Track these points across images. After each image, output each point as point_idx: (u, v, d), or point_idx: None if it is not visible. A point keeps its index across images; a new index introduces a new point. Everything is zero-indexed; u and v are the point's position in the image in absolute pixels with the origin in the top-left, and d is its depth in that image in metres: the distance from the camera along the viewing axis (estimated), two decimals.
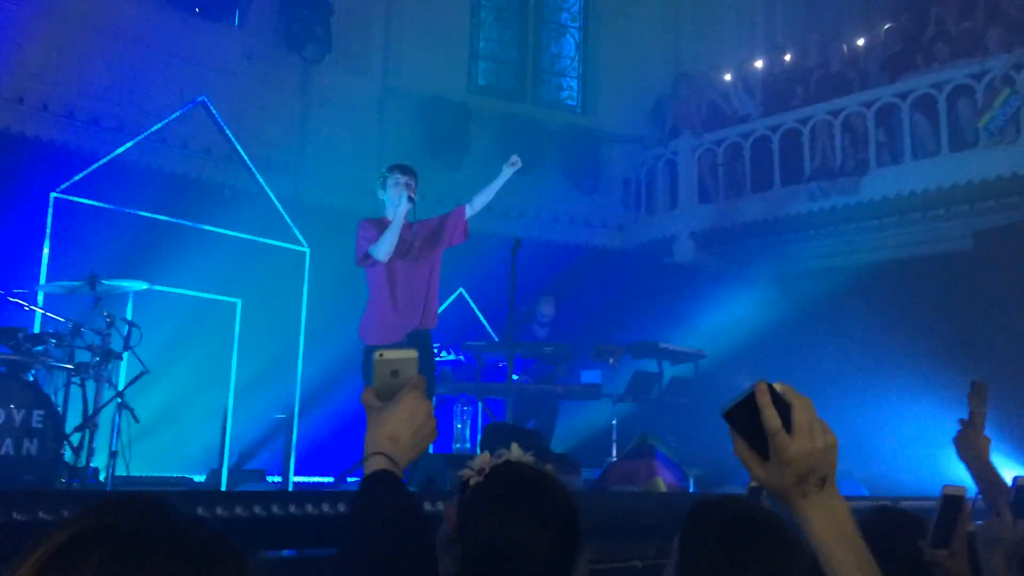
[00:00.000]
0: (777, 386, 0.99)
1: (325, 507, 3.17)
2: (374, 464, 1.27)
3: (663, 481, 5.23)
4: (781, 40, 10.24)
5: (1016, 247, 7.70)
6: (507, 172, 4.95)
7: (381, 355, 1.32)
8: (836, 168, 8.48)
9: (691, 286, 9.21)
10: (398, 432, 1.28)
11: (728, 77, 9.97)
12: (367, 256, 4.77)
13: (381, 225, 4.83)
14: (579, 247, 9.94)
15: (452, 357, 7.15)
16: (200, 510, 2.70)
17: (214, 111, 7.50)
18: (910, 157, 8.13)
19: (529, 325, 7.28)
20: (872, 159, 8.36)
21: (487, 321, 8.34)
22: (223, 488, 5.51)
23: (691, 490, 5.55)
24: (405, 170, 4.91)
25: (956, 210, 8.10)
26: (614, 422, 6.65)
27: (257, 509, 2.81)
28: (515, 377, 6.47)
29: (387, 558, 1.21)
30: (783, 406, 0.99)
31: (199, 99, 7.46)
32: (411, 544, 1.23)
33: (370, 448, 1.28)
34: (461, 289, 8.12)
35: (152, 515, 0.88)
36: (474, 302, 8.29)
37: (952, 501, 1.87)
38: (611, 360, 6.88)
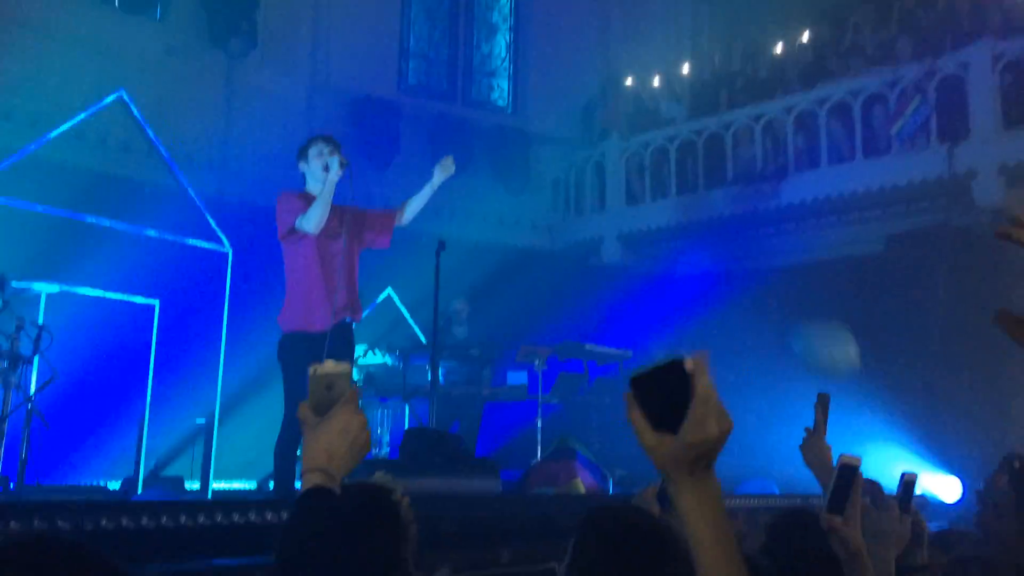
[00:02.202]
0: (689, 363, 1.01)
1: (251, 516, 3.13)
2: (312, 479, 1.30)
3: (582, 483, 5.30)
4: (707, 46, 10.46)
5: (926, 250, 8.01)
6: (439, 176, 4.62)
7: (316, 370, 1.37)
8: (757, 172, 8.70)
9: (618, 287, 9.35)
10: (334, 446, 1.31)
11: (656, 81, 10.14)
12: (293, 229, 4.31)
13: (306, 198, 4.40)
14: (507, 247, 9.98)
15: (379, 359, 7.12)
16: (105, 522, 2.65)
17: (133, 106, 7.31)
18: (827, 162, 8.39)
19: (448, 326, 7.28)
20: (791, 164, 8.60)
21: (415, 322, 8.33)
22: (139, 493, 5.38)
23: (611, 491, 5.64)
24: (329, 140, 4.49)
25: (869, 214, 8.39)
26: (539, 423, 6.72)
27: (183, 519, 2.77)
28: (441, 379, 6.47)
29: (326, 570, 1.24)
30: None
31: (117, 93, 7.26)
32: (349, 556, 1.31)
33: (307, 463, 1.32)
34: (389, 289, 8.09)
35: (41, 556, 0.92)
36: (402, 303, 8.26)
37: (848, 470, 1.95)
38: (537, 361, 6.94)
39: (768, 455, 6.97)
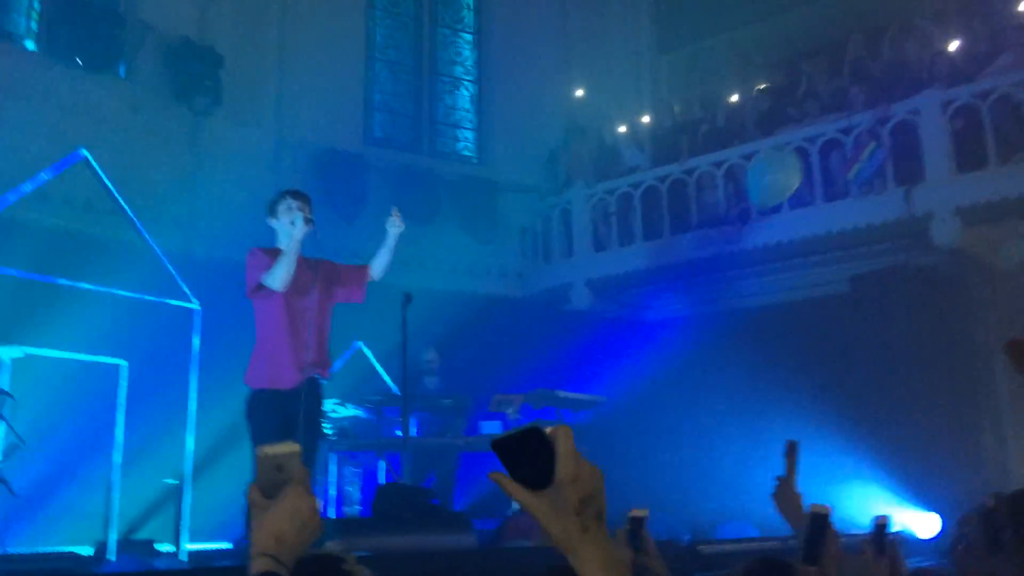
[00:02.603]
0: (550, 430, 1.02)
1: None
2: (260, 565, 1.26)
3: None
4: (667, 96, 10.70)
5: (889, 290, 8.17)
6: (393, 232, 4.58)
7: (264, 452, 1.32)
8: (721, 217, 8.86)
9: (588, 333, 9.39)
10: (283, 531, 1.27)
11: (621, 129, 10.33)
12: (260, 286, 4.33)
13: (274, 254, 4.41)
14: (477, 296, 10.00)
15: (351, 412, 7.06)
16: None
17: (95, 164, 7.24)
18: (788, 207, 8.57)
19: (420, 377, 7.24)
20: (754, 208, 8.76)
21: (387, 374, 8.28)
22: (111, 559, 5.23)
23: None
24: (297, 195, 4.50)
25: (832, 256, 8.56)
26: None
27: None
28: (413, 431, 6.43)
29: None
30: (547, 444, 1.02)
31: (80, 152, 7.20)
32: None
33: (255, 548, 1.27)
34: (359, 343, 8.04)
35: None
36: (373, 355, 8.21)
37: (819, 519, 1.98)
38: (510, 410, 6.92)
39: (746, 496, 6.98)
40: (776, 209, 8.66)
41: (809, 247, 8.53)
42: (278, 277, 4.27)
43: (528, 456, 1.01)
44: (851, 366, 8.17)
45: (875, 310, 8.19)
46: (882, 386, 7.82)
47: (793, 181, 8.16)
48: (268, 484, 1.31)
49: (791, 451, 2.74)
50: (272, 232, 4.65)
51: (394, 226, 4.58)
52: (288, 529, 1.27)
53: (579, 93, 10.91)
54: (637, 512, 2.22)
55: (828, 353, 8.20)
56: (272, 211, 4.54)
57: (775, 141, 8.79)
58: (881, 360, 7.98)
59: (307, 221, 4.30)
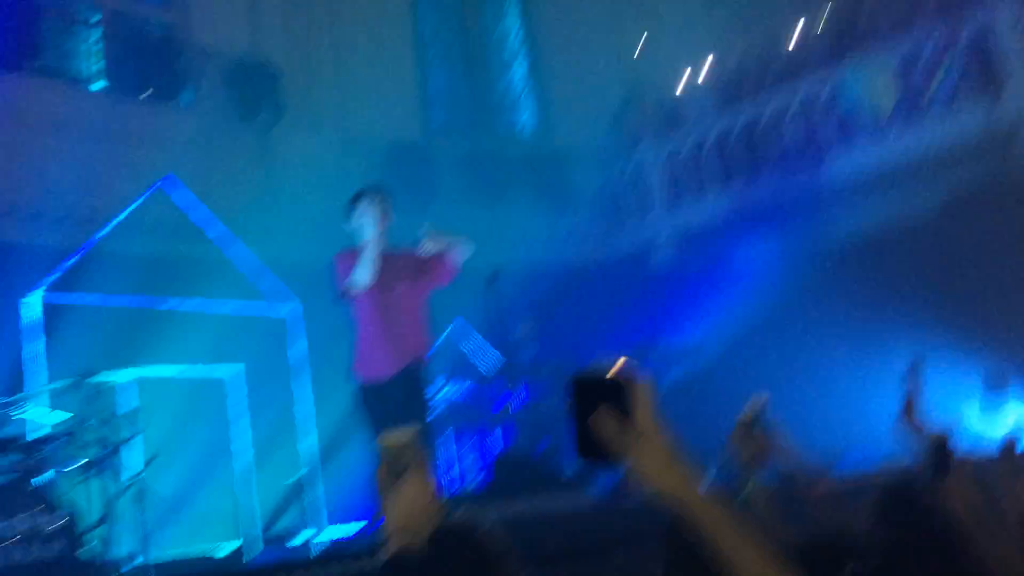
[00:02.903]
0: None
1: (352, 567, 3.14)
2: (392, 545, 1.39)
3: None
4: (728, 39, 10.43)
5: (980, 210, 7.83)
6: (434, 247, 4.67)
7: (384, 441, 1.44)
8: (798, 153, 8.63)
9: (676, 288, 9.28)
10: (409, 512, 1.39)
11: (685, 78, 10.14)
12: (346, 290, 4.59)
13: (351, 254, 4.65)
14: (558, 267, 9.98)
15: (459, 388, 7.15)
16: None
17: (177, 191, 7.49)
18: (867, 135, 8.28)
19: (518, 349, 7.30)
20: (830, 142, 8.51)
21: (485, 352, 8.35)
22: (258, 552, 5.43)
23: (713, 483, 5.53)
24: (372, 193, 4.71)
25: (916, 182, 8.24)
26: None
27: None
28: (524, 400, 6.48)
29: None
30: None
31: (160, 181, 7.44)
32: None
33: (387, 530, 1.41)
34: (460, 319, 8.12)
35: None
36: (470, 334, 8.29)
37: (939, 445, 2.07)
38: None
39: (863, 430, 6.82)
40: (854, 139, 8.39)
41: (891, 175, 8.24)
42: (359, 278, 4.51)
43: (605, 401, 1.01)
44: (953, 286, 7.88)
45: (966, 233, 7.88)
46: (992, 300, 7.52)
47: (888, 101, 7.86)
48: (391, 470, 1.42)
49: (915, 371, 2.67)
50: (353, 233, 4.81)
51: (433, 242, 4.69)
52: (414, 510, 1.40)
53: (637, 48, 10.74)
54: (756, 399, 2.23)
55: (929, 276, 7.93)
56: (349, 212, 4.75)
57: (846, 67, 8.50)
58: (986, 276, 7.67)
59: (379, 221, 4.52)
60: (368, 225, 4.53)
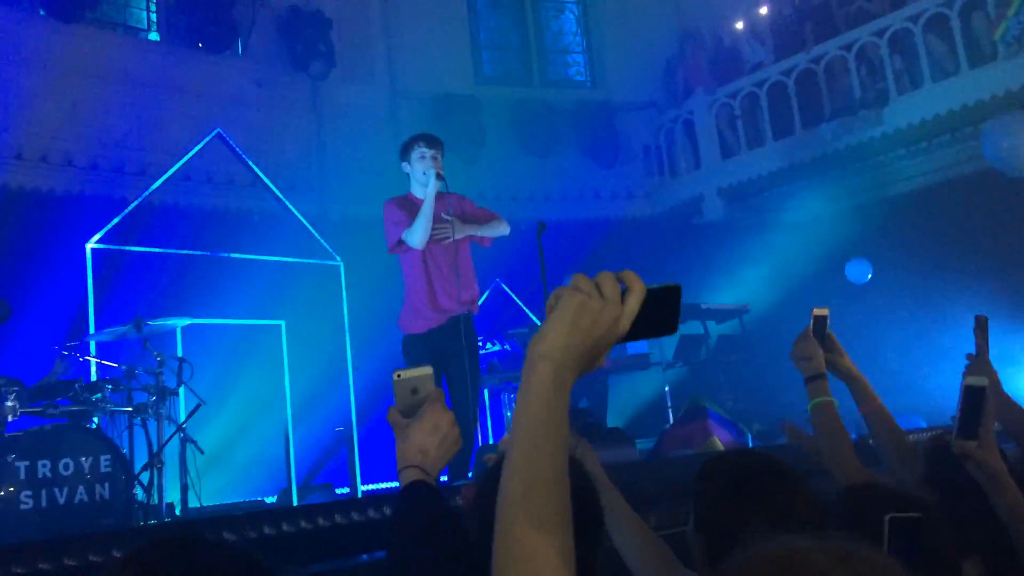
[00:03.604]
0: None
1: (382, 511, 3.22)
2: (408, 476, 1.38)
3: (719, 440, 5.21)
4: None
5: None
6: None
7: (399, 375, 1.41)
8: (856, 103, 8.34)
9: (725, 243, 9.14)
10: (426, 445, 1.37)
11: (738, 26, 9.84)
12: (400, 243, 4.44)
13: (408, 204, 4.52)
14: (607, 221, 9.91)
15: (498, 348, 7.20)
16: (267, 529, 2.78)
17: (231, 141, 7.61)
18: (930, 80, 7.97)
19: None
20: (891, 88, 8.20)
21: (527, 308, 8.37)
22: (296, 504, 5.62)
23: (750, 445, 5.53)
24: (431, 141, 4.55)
25: (983, 127, 7.91)
26: (667, 389, 6.65)
27: (321, 520, 2.89)
28: None
29: (429, 561, 1.33)
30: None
31: (215, 132, 7.57)
32: (449, 546, 1.35)
33: (402, 462, 1.39)
34: (499, 280, 8.16)
35: (186, 552, 1.06)
36: (512, 290, 8.32)
37: (974, 392, 1.86)
38: None
39: (914, 389, 6.69)
40: (917, 84, 8.07)
41: (957, 120, 7.92)
42: (417, 237, 4.38)
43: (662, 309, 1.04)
44: (1013, 242, 7.59)
45: None
46: None
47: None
48: (406, 406, 1.40)
49: (980, 327, 2.62)
50: (404, 177, 4.72)
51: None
52: (430, 443, 1.38)
53: None
54: (819, 311, 2.29)
55: (993, 231, 7.65)
56: (405, 155, 4.60)
57: (909, 10, 8.14)
58: None
59: (439, 177, 4.37)
60: (428, 181, 4.38)
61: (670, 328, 1.05)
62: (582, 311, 1.00)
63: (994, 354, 2.57)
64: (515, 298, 8.15)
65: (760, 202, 9.52)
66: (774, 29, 9.56)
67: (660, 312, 1.03)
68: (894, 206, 8.54)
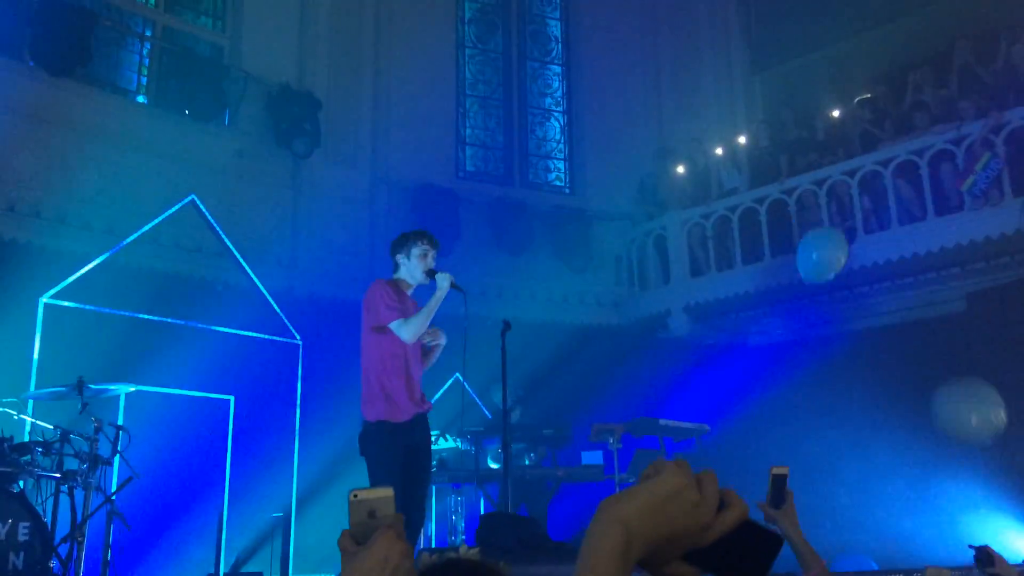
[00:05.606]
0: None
1: None
2: None
3: None
4: (762, 114, 10.44)
5: (1009, 307, 7.69)
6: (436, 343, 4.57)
7: (356, 495, 1.27)
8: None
9: (689, 360, 9.17)
10: (378, 573, 1.20)
11: (717, 151, 10.13)
12: (386, 327, 4.33)
13: (399, 292, 4.45)
14: (573, 326, 9.93)
15: (451, 444, 7.05)
16: None
17: (203, 208, 7.56)
18: (897, 223, 8.19)
19: (511, 409, 7.19)
20: (859, 226, 8.42)
21: (484, 406, 8.26)
22: None
23: None
24: (434, 241, 4.51)
25: (947, 273, 8.11)
26: None
27: None
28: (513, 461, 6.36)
29: None
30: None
31: (189, 198, 7.52)
32: None
33: None
34: (457, 374, 8.06)
35: None
36: (470, 387, 8.22)
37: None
38: (611, 440, 6.78)
39: (863, 529, 6.61)
40: (884, 226, 8.29)
41: (922, 264, 8.11)
42: (412, 331, 4.31)
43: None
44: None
45: (994, 327, 7.71)
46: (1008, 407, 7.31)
47: (841, 257, 7.90)
48: (360, 530, 1.26)
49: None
50: (377, 263, 4.65)
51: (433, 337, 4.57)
52: (384, 572, 1.19)
53: (672, 116, 10.79)
54: (778, 469, 2.45)
55: (946, 375, 7.74)
56: (403, 247, 4.53)
57: (880, 155, 8.44)
58: (1000, 379, 7.48)
59: (455, 286, 4.36)
60: (439, 285, 4.33)
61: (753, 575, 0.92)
62: (678, 496, 0.91)
63: (932, 500, 2.57)
64: (473, 395, 8.03)
65: (726, 323, 9.60)
66: (750, 158, 9.84)
67: (749, 551, 0.91)
68: (853, 341, 8.64)
